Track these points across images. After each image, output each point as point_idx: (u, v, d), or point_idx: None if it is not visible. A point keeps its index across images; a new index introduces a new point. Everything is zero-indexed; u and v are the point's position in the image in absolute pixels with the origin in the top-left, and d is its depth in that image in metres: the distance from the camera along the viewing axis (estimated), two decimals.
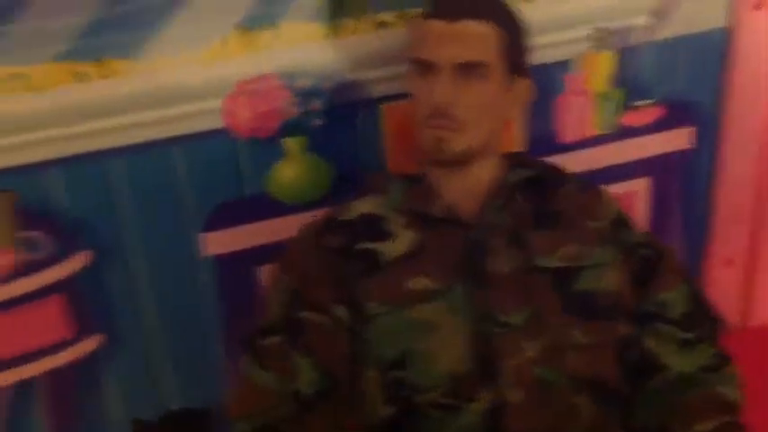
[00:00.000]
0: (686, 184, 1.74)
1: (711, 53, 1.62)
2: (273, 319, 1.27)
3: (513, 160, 1.35)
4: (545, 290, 1.25)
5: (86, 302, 1.45)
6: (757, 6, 1.57)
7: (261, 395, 1.23)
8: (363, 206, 1.32)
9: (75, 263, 1.41)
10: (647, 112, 1.64)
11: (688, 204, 1.76)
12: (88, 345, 1.48)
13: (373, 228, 1.29)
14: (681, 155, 1.70)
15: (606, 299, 1.27)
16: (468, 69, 1.21)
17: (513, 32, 1.26)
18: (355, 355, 1.26)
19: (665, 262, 1.33)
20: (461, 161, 1.26)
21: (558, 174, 1.36)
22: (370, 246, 1.27)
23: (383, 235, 1.28)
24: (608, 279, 1.28)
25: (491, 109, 1.25)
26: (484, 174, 1.30)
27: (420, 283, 1.24)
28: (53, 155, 1.33)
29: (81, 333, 1.47)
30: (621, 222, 1.34)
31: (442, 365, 1.22)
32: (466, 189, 1.29)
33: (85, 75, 1.28)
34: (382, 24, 1.41)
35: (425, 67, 1.23)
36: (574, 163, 1.44)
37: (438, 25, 1.23)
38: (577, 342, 1.24)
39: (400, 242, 1.27)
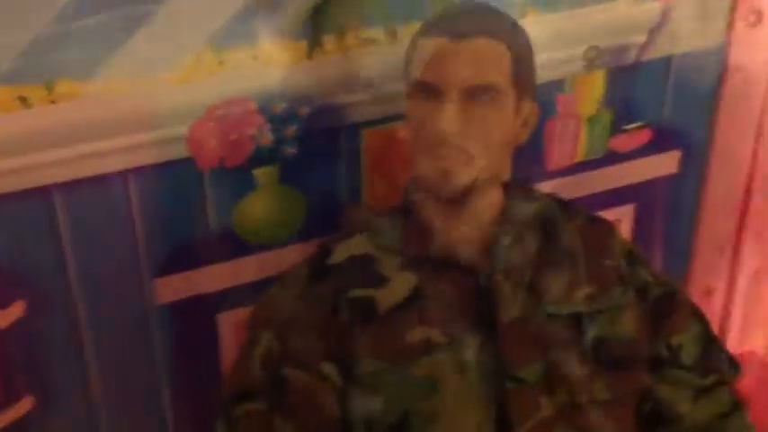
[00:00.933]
0: (669, 211, 1.65)
1: (704, 73, 1.53)
2: (251, 381, 1.11)
3: (514, 192, 1.21)
4: (560, 339, 1.13)
5: (17, 361, 1.24)
6: (753, 24, 1.49)
7: None
8: (352, 247, 1.17)
9: (5, 316, 1.20)
10: (635, 136, 1.54)
11: (670, 232, 1.68)
12: (18, 410, 1.27)
13: (365, 272, 1.14)
14: (666, 180, 1.61)
15: (625, 347, 1.16)
16: (478, 93, 1.07)
17: (523, 51, 1.13)
18: (345, 418, 1.11)
19: (678, 302, 1.23)
20: (465, 194, 1.12)
21: (564, 207, 1.23)
22: (362, 293, 1.12)
23: (377, 280, 1.13)
24: (626, 324, 1.17)
25: (501, 137, 1.11)
26: (486, 208, 1.16)
27: (421, 334, 1.10)
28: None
29: (9, 396, 1.25)
30: (635, 260, 1.22)
31: (448, 428, 1.08)
32: (467, 225, 1.15)
33: (30, 99, 1.07)
34: (369, 42, 1.25)
35: (428, 91, 1.08)
36: (558, 191, 1.32)
37: (443, 43, 1.08)
38: (597, 397, 1.12)
39: (397, 287, 1.12)
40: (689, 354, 1.21)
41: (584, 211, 1.24)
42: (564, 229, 1.19)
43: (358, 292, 1.12)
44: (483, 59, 1.07)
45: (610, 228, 1.24)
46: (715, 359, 1.23)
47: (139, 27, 1.11)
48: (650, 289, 1.22)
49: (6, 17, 1.03)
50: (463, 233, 1.15)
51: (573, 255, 1.18)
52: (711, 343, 1.24)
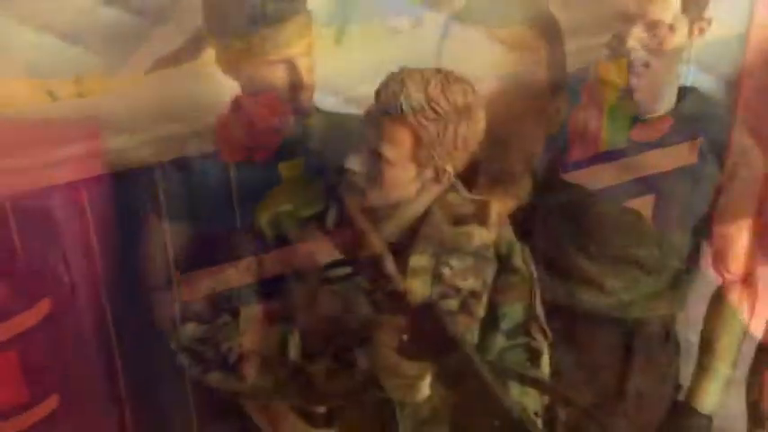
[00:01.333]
0: (689, 201, 1.64)
1: (724, 61, 1.52)
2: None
3: (541, 182, 1.21)
4: (593, 329, 1.13)
5: (43, 359, 1.22)
6: None
7: None
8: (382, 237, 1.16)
9: (31, 315, 1.18)
10: (655, 126, 1.52)
11: (689, 223, 1.66)
12: (44, 408, 1.25)
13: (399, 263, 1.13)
14: (686, 170, 1.60)
15: (661, 336, 1.16)
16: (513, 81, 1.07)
17: (556, 40, 1.12)
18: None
19: (713, 291, 1.23)
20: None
21: (592, 196, 1.23)
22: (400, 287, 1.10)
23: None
24: (660, 311, 1.17)
25: (536, 126, 1.11)
26: (515, 197, 1.15)
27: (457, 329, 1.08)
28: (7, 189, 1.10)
29: (36, 394, 1.24)
30: (666, 246, 1.22)
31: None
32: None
33: (58, 93, 1.05)
34: (394, 31, 1.24)
35: None
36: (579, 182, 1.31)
37: (475, 32, 1.07)
38: (633, 389, 1.12)
39: None
40: (721, 343, 1.21)
41: (614, 201, 1.24)
42: (593, 218, 1.19)
43: (395, 286, 1.11)
44: (518, 48, 1.07)
45: (638, 216, 1.24)
46: (746, 349, 1.24)
47: (162, 22, 1.10)
48: (681, 276, 1.22)
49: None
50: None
51: (604, 243, 1.17)
52: (744, 332, 1.24)
